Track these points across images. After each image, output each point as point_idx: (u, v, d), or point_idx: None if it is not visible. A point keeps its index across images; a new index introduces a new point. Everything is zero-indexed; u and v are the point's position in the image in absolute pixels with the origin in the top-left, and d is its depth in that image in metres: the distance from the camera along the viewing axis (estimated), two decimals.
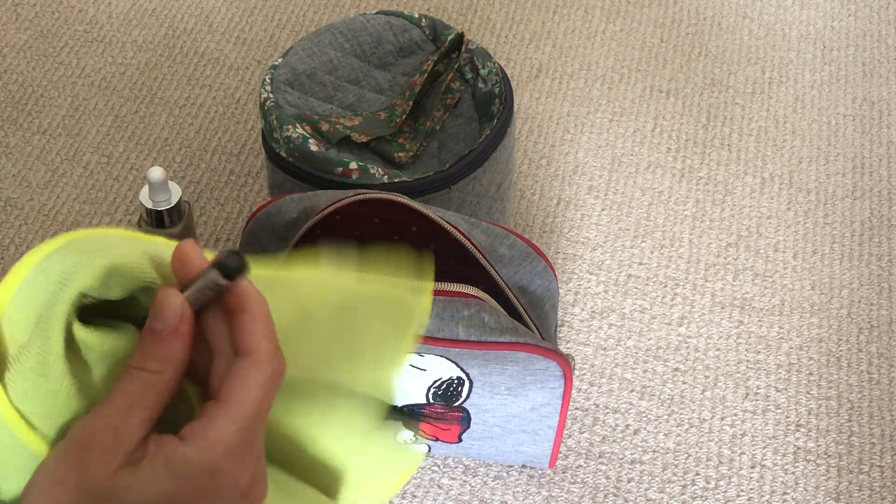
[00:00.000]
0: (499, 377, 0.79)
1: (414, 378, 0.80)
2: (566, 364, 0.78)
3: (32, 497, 0.42)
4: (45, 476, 0.42)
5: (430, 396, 0.81)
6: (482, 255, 0.79)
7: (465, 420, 0.82)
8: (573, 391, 0.94)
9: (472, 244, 0.79)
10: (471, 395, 0.80)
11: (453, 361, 0.78)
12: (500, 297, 0.81)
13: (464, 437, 0.84)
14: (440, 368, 0.79)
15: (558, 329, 0.98)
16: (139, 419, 0.43)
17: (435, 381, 0.80)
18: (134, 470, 0.42)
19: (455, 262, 0.82)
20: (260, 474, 0.44)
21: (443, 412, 0.82)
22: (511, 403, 0.81)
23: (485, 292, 0.80)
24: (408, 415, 0.83)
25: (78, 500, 0.41)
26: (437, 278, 0.82)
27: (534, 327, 0.82)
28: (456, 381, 0.80)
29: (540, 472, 0.89)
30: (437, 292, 0.77)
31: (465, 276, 0.82)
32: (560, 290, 1.01)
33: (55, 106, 1.15)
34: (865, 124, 1.16)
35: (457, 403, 0.81)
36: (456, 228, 0.79)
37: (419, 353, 0.78)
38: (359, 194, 0.79)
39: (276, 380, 0.43)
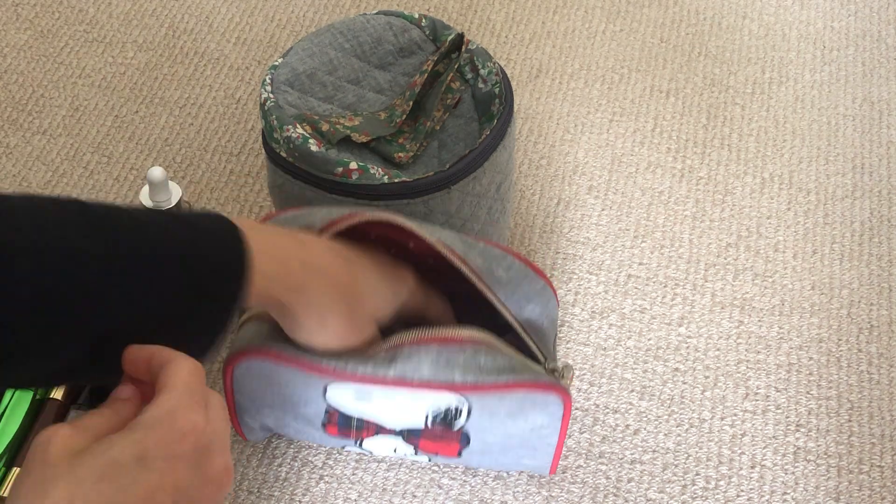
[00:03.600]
0: (499, 403, 0.79)
1: (412, 403, 0.80)
2: (566, 394, 0.79)
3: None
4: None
5: (429, 422, 0.81)
6: (479, 279, 0.79)
7: (465, 439, 0.82)
8: (573, 391, 0.94)
9: (469, 268, 0.79)
10: (470, 419, 0.80)
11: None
12: (497, 318, 0.81)
13: (463, 452, 0.84)
14: (439, 396, 0.79)
15: (558, 329, 0.98)
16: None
17: (433, 408, 0.80)
18: (101, 441, 0.54)
19: (452, 279, 0.81)
20: (223, 448, 0.58)
21: (442, 433, 0.82)
22: (511, 426, 0.81)
23: (483, 329, 0.80)
24: (406, 435, 0.83)
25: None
26: (436, 285, 0.82)
27: (532, 345, 0.82)
28: (455, 409, 0.80)
29: None
30: (431, 339, 0.77)
31: (465, 291, 0.81)
32: (560, 291, 1.01)
33: (55, 106, 1.15)
34: (865, 124, 1.16)
35: (456, 428, 0.81)
36: (453, 252, 0.78)
37: None
38: (352, 216, 0.78)
39: (198, 370, 0.58)
